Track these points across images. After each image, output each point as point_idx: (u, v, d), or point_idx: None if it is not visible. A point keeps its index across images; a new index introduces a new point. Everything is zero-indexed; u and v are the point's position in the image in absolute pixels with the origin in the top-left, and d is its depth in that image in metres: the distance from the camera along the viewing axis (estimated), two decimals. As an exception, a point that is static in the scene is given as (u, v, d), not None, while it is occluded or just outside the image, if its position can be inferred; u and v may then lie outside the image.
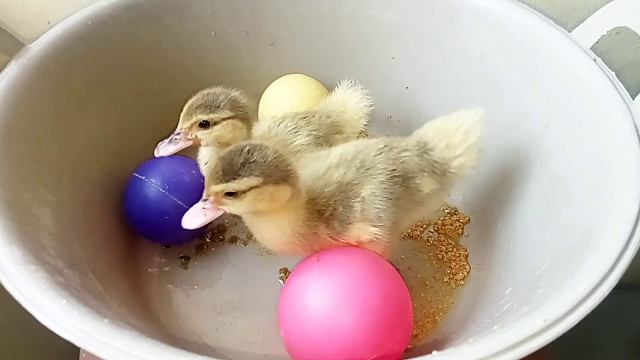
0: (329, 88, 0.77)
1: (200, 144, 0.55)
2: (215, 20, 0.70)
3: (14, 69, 0.54)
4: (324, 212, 0.50)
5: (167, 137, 0.54)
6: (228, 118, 0.54)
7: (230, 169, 0.44)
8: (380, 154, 0.53)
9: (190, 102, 0.54)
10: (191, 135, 0.54)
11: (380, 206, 0.51)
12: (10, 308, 0.40)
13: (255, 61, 0.76)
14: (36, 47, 0.57)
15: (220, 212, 0.46)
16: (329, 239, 0.51)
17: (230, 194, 0.45)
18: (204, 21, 0.70)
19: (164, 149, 0.54)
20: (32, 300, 0.39)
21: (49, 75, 0.57)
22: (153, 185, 0.62)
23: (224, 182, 0.44)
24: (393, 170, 0.52)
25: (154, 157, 0.66)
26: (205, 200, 0.46)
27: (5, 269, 0.40)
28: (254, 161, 0.44)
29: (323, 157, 0.54)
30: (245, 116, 0.55)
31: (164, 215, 0.62)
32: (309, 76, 0.77)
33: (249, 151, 0.44)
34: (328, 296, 0.47)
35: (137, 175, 0.63)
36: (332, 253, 0.52)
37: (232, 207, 0.46)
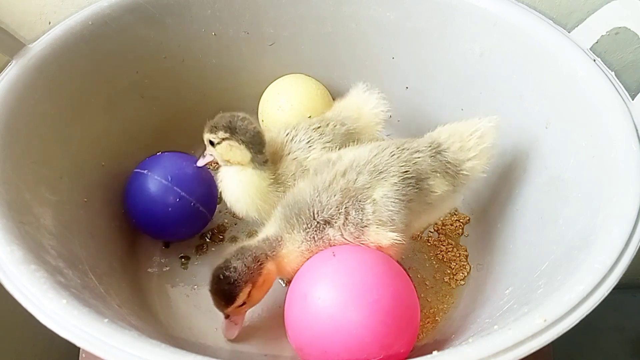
0: (329, 88, 0.77)
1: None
2: (215, 21, 0.71)
3: (14, 69, 0.54)
4: (336, 221, 0.51)
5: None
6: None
7: None
8: (392, 156, 0.53)
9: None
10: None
11: (392, 208, 0.51)
12: (11, 308, 0.40)
13: (255, 61, 0.76)
14: (37, 47, 0.57)
15: None
16: (344, 241, 0.52)
17: None
18: (204, 22, 0.70)
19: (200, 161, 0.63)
20: (32, 300, 0.39)
21: (49, 75, 0.57)
22: (155, 178, 0.62)
23: None
24: (405, 172, 0.53)
25: (154, 155, 0.67)
26: None
27: (6, 269, 0.40)
28: None
29: (332, 163, 0.54)
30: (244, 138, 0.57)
31: (167, 207, 0.62)
32: (309, 76, 0.77)
33: None
34: (342, 291, 0.47)
35: (138, 170, 0.63)
36: (348, 250, 0.52)
37: None
